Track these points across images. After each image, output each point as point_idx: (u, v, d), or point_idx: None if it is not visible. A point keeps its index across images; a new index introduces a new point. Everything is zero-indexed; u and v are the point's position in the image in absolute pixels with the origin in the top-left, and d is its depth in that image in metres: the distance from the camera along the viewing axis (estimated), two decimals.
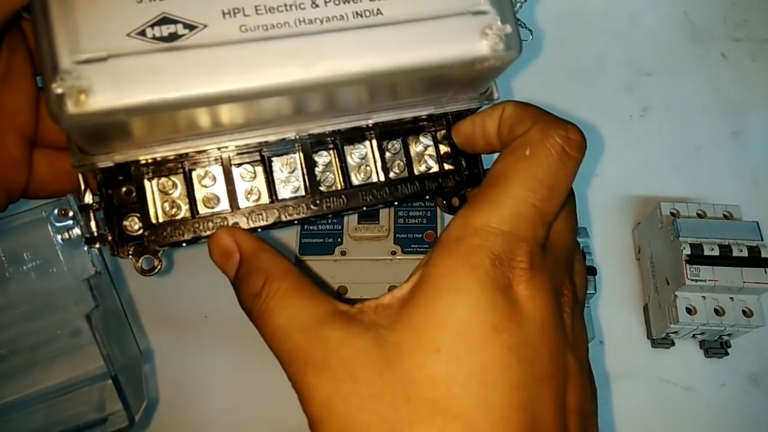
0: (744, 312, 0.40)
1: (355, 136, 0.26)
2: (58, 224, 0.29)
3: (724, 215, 0.42)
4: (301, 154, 0.26)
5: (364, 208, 0.27)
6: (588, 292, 0.39)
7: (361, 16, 0.21)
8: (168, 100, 0.19)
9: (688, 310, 0.40)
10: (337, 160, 0.27)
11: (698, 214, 0.42)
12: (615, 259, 0.47)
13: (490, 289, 0.22)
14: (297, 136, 0.24)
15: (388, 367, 0.21)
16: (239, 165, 0.26)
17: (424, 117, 0.26)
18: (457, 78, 0.23)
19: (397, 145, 0.27)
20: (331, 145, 0.26)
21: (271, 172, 0.26)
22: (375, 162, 0.27)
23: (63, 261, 0.30)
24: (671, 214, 0.43)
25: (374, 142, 0.27)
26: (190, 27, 0.20)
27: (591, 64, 0.55)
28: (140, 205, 0.25)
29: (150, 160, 0.24)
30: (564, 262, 0.26)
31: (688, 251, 0.39)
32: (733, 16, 0.58)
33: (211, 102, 0.20)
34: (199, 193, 0.26)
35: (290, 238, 0.40)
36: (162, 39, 0.19)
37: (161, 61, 0.19)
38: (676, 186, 0.50)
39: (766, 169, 0.51)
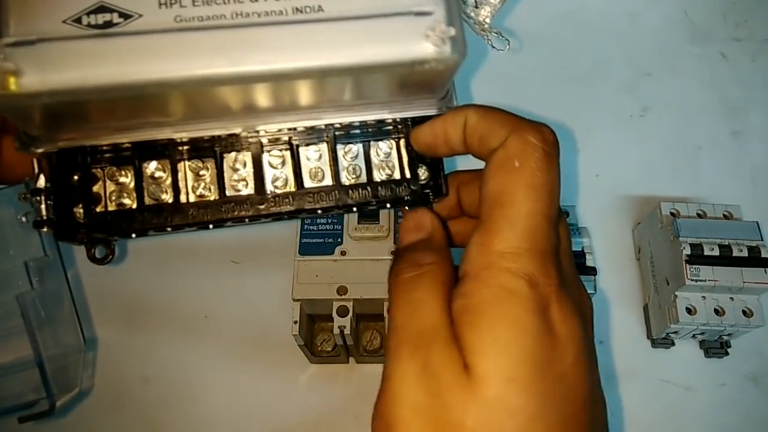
0: (744, 312, 0.40)
1: (312, 137, 0.26)
2: (20, 208, 0.28)
3: (724, 215, 0.42)
4: (250, 152, 0.26)
5: (319, 211, 0.26)
6: (588, 292, 0.39)
7: (301, 12, 0.20)
8: (94, 85, 0.19)
9: (688, 310, 0.40)
10: (291, 160, 0.26)
11: (698, 214, 0.42)
12: (615, 259, 0.47)
13: (535, 314, 0.22)
14: (244, 133, 0.24)
15: (469, 392, 0.21)
16: (189, 159, 0.25)
17: (388, 122, 0.26)
18: (402, 80, 0.22)
19: (355, 149, 0.27)
20: (285, 145, 0.26)
21: (221, 168, 0.25)
22: (329, 165, 0.26)
23: (21, 243, 0.30)
24: (671, 214, 0.43)
25: (328, 144, 0.26)
26: (126, 16, 0.20)
27: (591, 64, 0.55)
28: (85, 193, 0.25)
29: (106, 148, 0.24)
30: (572, 267, 0.26)
31: (688, 251, 0.39)
32: (733, 16, 0.58)
33: (138, 89, 0.20)
34: (148, 185, 0.25)
35: (290, 238, 0.40)
36: (96, 26, 0.19)
37: (91, 47, 0.19)
38: (676, 186, 0.50)
39: (766, 169, 0.51)
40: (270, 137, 0.25)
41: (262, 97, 0.22)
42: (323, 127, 0.25)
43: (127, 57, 0.19)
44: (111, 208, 0.25)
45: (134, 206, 0.25)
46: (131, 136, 0.23)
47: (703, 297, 0.40)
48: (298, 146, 0.26)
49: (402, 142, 0.27)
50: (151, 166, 0.25)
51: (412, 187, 0.27)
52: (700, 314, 0.40)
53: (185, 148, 0.25)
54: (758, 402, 0.43)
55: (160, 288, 0.45)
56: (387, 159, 0.27)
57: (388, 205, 0.27)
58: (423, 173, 0.27)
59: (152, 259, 0.46)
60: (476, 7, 0.29)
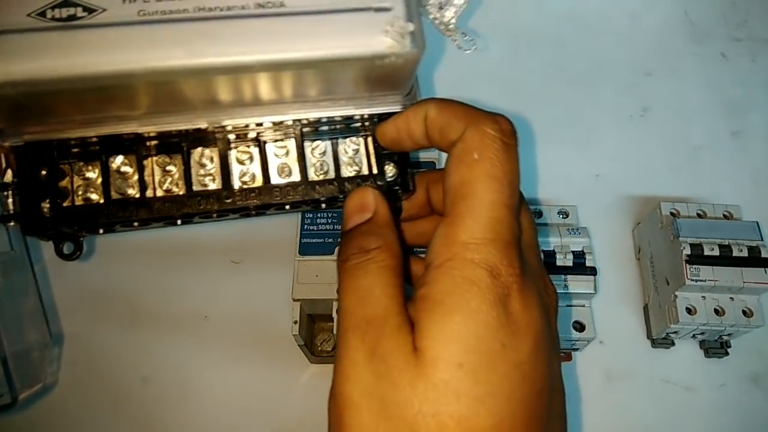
0: (744, 312, 0.40)
1: (280, 133, 0.26)
2: None
3: (724, 215, 0.42)
4: (217, 148, 0.26)
5: (287, 207, 0.26)
6: (588, 292, 0.39)
7: (263, 6, 0.21)
8: (58, 77, 0.20)
9: (688, 310, 0.40)
10: (258, 156, 0.26)
11: (698, 214, 0.42)
12: (615, 259, 0.47)
13: (494, 304, 0.22)
14: (210, 128, 0.24)
15: (417, 374, 0.22)
16: (156, 155, 0.25)
17: (356, 118, 0.26)
18: (364, 75, 0.23)
19: (323, 145, 0.27)
20: (253, 141, 0.26)
21: (188, 163, 0.26)
22: (297, 161, 0.26)
23: None
24: (671, 214, 0.43)
25: (296, 140, 0.26)
26: (90, 10, 0.20)
27: (591, 64, 0.55)
28: (52, 188, 0.25)
29: (73, 143, 0.24)
30: (537, 257, 0.27)
31: (688, 251, 0.39)
32: (733, 16, 0.58)
33: (101, 81, 0.20)
34: (114, 180, 0.25)
35: (290, 238, 0.40)
36: (60, 20, 0.20)
37: (55, 40, 0.20)
38: (676, 186, 0.50)
39: (766, 169, 0.51)
40: (237, 133, 0.25)
41: (226, 91, 0.22)
42: (290, 123, 0.25)
43: (90, 49, 0.20)
44: (78, 202, 0.25)
45: (101, 201, 0.25)
46: (97, 130, 0.24)
47: (703, 297, 0.40)
48: (265, 142, 0.26)
49: (369, 139, 0.27)
50: (118, 161, 0.25)
51: (379, 183, 0.27)
52: (700, 314, 0.40)
53: (153, 143, 0.25)
54: (758, 402, 0.43)
55: (160, 288, 0.45)
56: (355, 155, 0.27)
57: None
58: (390, 170, 0.28)
59: (152, 259, 0.46)
60: (440, 8, 0.31)
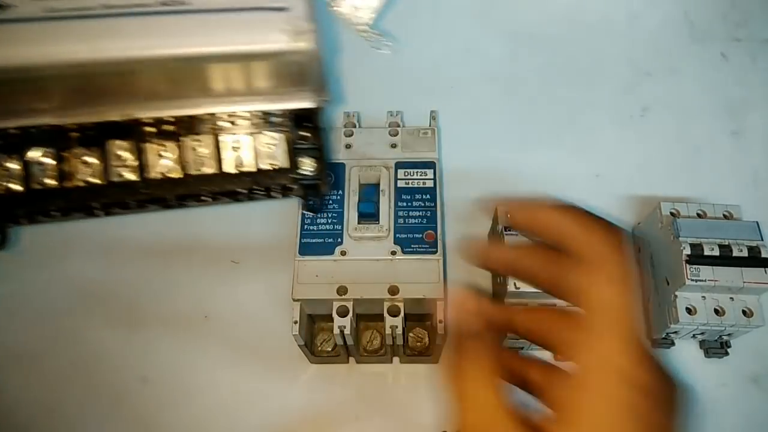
0: (744, 312, 0.40)
1: (198, 127, 0.27)
2: None
3: (724, 215, 0.42)
4: (134, 141, 0.27)
5: (203, 198, 0.28)
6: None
7: (167, 4, 0.22)
8: None
9: (688, 310, 0.40)
10: (177, 149, 0.27)
11: (698, 214, 0.42)
12: None
13: (629, 414, 0.23)
14: (121, 120, 0.25)
15: None
16: (79, 146, 0.27)
17: (276, 114, 0.27)
18: (269, 71, 0.24)
19: (240, 139, 0.28)
20: (172, 135, 0.27)
21: (106, 155, 0.26)
22: (214, 154, 0.27)
23: None
24: (671, 214, 0.43)
25: (213, 134, 0.27)
26: (0, 6, 0.22)
27: (591, 64, 0.55)
28: None
29: (16, 130, 0.25)
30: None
31: (688, 251, 0.39)
32: (733, 16, 0.58)
33: (8, 73, 0.21)
34: (34, 171, 0.27)
35: (290, 238, 0.40)
36: None
37: None
38: (676, 186, 0.50)
39: (766, 169, 0.51)
40: (153, 126, 0.26)
41: (135, 85, 0.23)
42: (206, 116, 0.26)
43: (9, 43, 0.21)
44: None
45: (21, 191, 0.26)
46: (15, 122, 0.24)
47: (703, 297, 0.40)
48: (182, 136, 0.27)
49: (288, 134, 0.28)
50: (37, 153, 0.26)
51: (297, 177, 0.29)
52: (700, 314, 0.40)
53: (74, 135, 0.26)
54: (758, 402, 0.43)
55: (160, 288, 0.45)
56: (273, 150, 0.28)
57: (280, 195, 0.30)
58: (309, 165, 0.29)
59: (152, 258, 0.46)
60: (356, 10, 0.30)
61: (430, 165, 0.42)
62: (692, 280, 0.39)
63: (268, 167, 0.28)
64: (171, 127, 0.26)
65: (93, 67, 0.22)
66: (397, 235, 0.40)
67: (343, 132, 0.43)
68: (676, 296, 0.40)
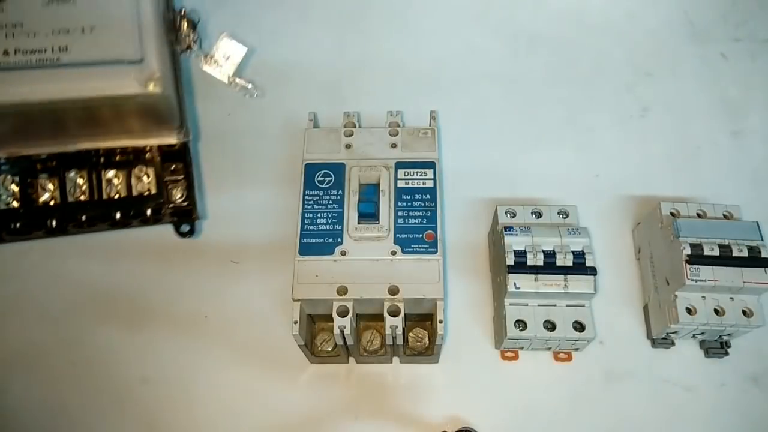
0: (744, 312, 0.40)
1: (78, 163, 0.31)
2: None
3: (724, 215, 0.42)
4: (18, 176, 0.31)
5: (84, 226, 0.32)
6: (588, 292, 0.39)
7: (44, 60, 0.27)
8: None
9: (688, 310, 0.40)
10: (57, 182, 0.31)
11: (698, 214, 0.42)
12: (615, 259, 0.47)
13: None
14: (5, 158, 0.29)
15: None
16: None
17: (146, 149, 0.31)
18: (132, 111, 0.28)
19: (114, 172, 0.32)
20: (54, 170, 0.31)
21: None
22: (93, 185, 0.31)
23: None
24: (671, 214, 0.43)
25: (93, 169, 0.32)
26: None
27: (591, 64, 0.55)
28: None
29: None
30: None
31: (688, 251, 0.39)
32: (733, 16, 0.58)
33: None
34: None
35: (290, 238, 0.40)
36: None
37: None
38: (676, 186, 0.50)
39: (766, 169, 0.51)
40: (39, 162, 0.30)
41: (22, 125, 0.28)
42: (87, 153, 0.30)
43: None
44: None
45: None
46: None
47: (703, 297, 0.40)
48: (65, 170, 0.31)
49: (158, 167, 0.32)
50: None
51: (169, 204, 0.33)
52: (700, 314, 0.40)
53: None
54: (758, 402, 0.43)
55: (160, 288, 0.45)
56: (146, 182, 0.33)
57: (152, 221, 0.34)
58: (178, 194, 0.34)
59: (153, 259, 0.46)
60: (219, 66, 0.37)
61: (430, 165, 0.42)
62: (692, 280, 0.39)
63: (145, 194, 0.32)
64: (53, 162, 0.31)
65: None
66: (397, 235, 0.40)
67: (343, 132, 0.44)
68: (676, 296, 0.40)
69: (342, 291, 0.38)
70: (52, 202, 0.31)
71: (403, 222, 0.40)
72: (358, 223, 0.40)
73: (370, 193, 0.41)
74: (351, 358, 0.43)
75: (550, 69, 0.55)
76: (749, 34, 0.57)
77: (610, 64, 0.55)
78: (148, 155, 0.32)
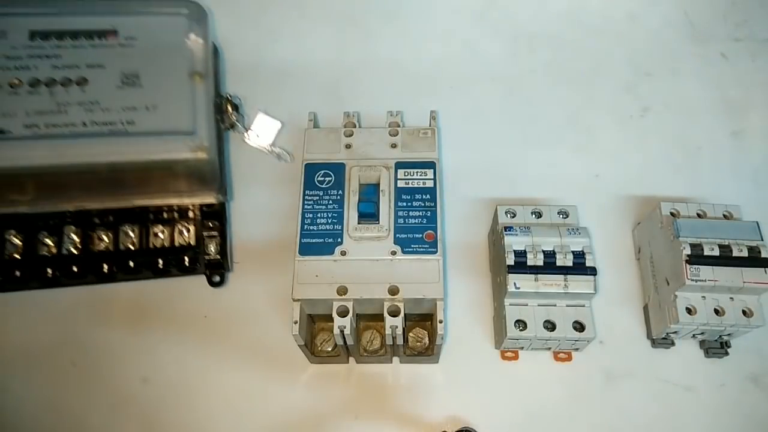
0: (744, 312, 0.40)
1: (133, 217, 0.37)
2: None
3: (724, 215, 0.42)
4: (79, 228, 0.36)
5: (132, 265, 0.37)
6: (588, 292, 0.39)
7: (114, 131, 0.33)
8: None
9: (688, 310, 0.40)
10: (112, 235, 0.36)
11: (698, 214, 0.42)
12: (615, 259, 0.47)
13: None
14: (73, 210, 0.35)
15: None
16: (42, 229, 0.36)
17: (188, 206, 0.37)
18: (181, 173, 0.34)
19: (159, 227, 0.38)
20: (108, 224, 0.36)
21: (61, 237, 0.36)
22: (144, 238, 0.37)
23: None
24: (671, 214, 0.43)
25: (142, 225, 0.37)
26: (2, 131, 0.33)
27: (591, 64, 0.55)
28: None
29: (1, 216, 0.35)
30: None
31: (688, 251, 0.39)
32: (733, 16, 0.58)
33: (8, 172, 0.31)
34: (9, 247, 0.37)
35: (290, 238, 0.40)
36: None
37: None
38: (676, 186, 0.50)
39: (766, 169, 0.51)
40: (100, 216, 0.36)
41: (87, 183, 0.34)
42: (140, 209, 0.36)
43: (1, 153, 0.32)
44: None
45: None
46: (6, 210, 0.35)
47: (703, 297, 0.40)
48: (120, 223, 0.36)
49: (191, 223, 0.38)
50: (9, 234, 0.36)
51: (205, 256, 0.38)
52: (700, 314, 0.40)
53: (41, 222, 0.36)
54: (758, 402, 0.43)
55: (160, 288, 0.45)
56: (186, 235, 0.38)
57: (189, 272, 0.39)
58: (213, 248, 0.39)
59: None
60: (257, 136, 0.42)
61: (430, 165, 0.42)
62: (692, 280, 0.39)
63: (184, 245, 0.37)
64: (110, 216, 0.36)
65: (59, 169, 0.31)
66: (397, 235, 0.40)
67: (343, 132, 0.44)
68: (676, 296, 0.40)
69: (342, 291, 0.38)
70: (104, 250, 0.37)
71: (403, 222, 0.40)
72: (358, 223, 0.40)
73: (370, 193, 0.41)
74: (351, 358, 0.43)
75: (550, 69, 0.55)
76: (749, 34, 0.57)
77: (610, 64, 0.55)
78: (190, 213, 0.37)
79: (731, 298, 0.40)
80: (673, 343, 0.44)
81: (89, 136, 0.32)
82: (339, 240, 0.40)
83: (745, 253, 0.39)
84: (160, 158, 0.32)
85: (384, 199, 0.41)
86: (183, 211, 0.36)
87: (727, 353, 0.43)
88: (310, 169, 0.42)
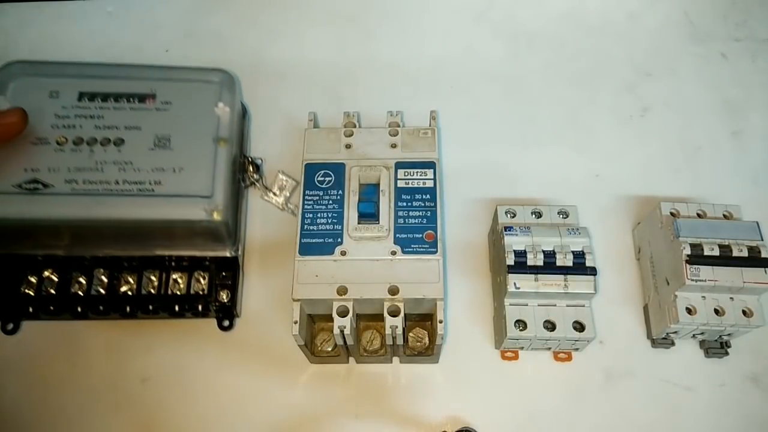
0: (744, 312, 0.40)
1: (155, 264, 0.40)
2: None
3: (724, 215, 0.42)
4: (108, 270, 0.40)
5: (139, 313, 0.41)
6: (588, 292, 0.39)
7: (143, 190, 0.36)
8: (22, 218, 0.35)
9: (688, 310, 0.40)
10: (136, 279, 0.40)
11: (698, 214, 0.42)
12: (615, 259, 0.47)
13: None
14: (102, 256, 0.39)
15: None
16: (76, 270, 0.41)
17: (202, 258, 0.40)
18: (198, 231, 0.37)
19: (177, 274, 0.41)
20: (133, 270, 0.40)
21: (90, 277, 0.40)
22: (162, 284, 0.40)
23: None
24: (671, 214, 0.43)
25: (161, 271, 0.41)
26: (45, 185, 0.36)
27: (591, 64, 0.55)
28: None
29: (41, 257, 0.39)
30: None
31: (688, 251, 0.39)
32: (733, 15, 0.58)
33: (46, 222, 0.35)
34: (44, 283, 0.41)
35: (290, 238, 0.40)
36: (29, 190, 0.36)
37: (24, 199, 0.36)
38: (676, 186, 0.50)
39: (766, 169, 0.51)
40: (125, 262, 0.40)
41: (117, 235, 0.37)
42: (161, 257, 0.40)
43: (43, 205, 0.35)
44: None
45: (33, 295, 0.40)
46: (38, 251, 0.39)
47: (703, 297, 0.40)
48: (143, 269, 0.40)
49: (213, 273, 0.41)
50: (47, 272, 0.40)
51: (217, 303, 0.41)
52: (700, 314, 0.40)
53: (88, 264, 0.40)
54: (758, 402, 0.43)
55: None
56: (202, 283, 0.41)
57: (201, 315, 0.42)
58: (225, 296, 0.41)
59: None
60: (275, 194, 0.45)
61: (430, 165, 0.42)
62: (692, 280, 0.39)
63: (199, 293, 0.41)
64: (133, 263, 0.40)
65: (92, 222, 0.35)
66: (397, 235, 0.40)
67: (343, 132, 0.44)
68: (676, 296, 0.40)
69: (342, 291, 0.38)
70: (129, 293, 0.40)
71: (403, 222, 0.40)
72: (358, 223, 0.40)
73: (370, 193, 0.41)
74: (351, 358, 0.43)
75: (550, 69, 0.55)
76: (749, 34, 0.57)
77: (610, 64, 0.55)
78: (207, 263, 0.40)
79: (731, 298, 0.40)
80: (673, 343, 0.44)
81: (120, 195, 0.35)
82: (339, 240, 0.40)
83: (745, 253, 0.39)
84: (180, 218, 0.35)
85: (384, 199, 0.41)
86: (199, 261, 0.39)
87: (727, 353, 0.43)
88: (310, 169, 0.42)
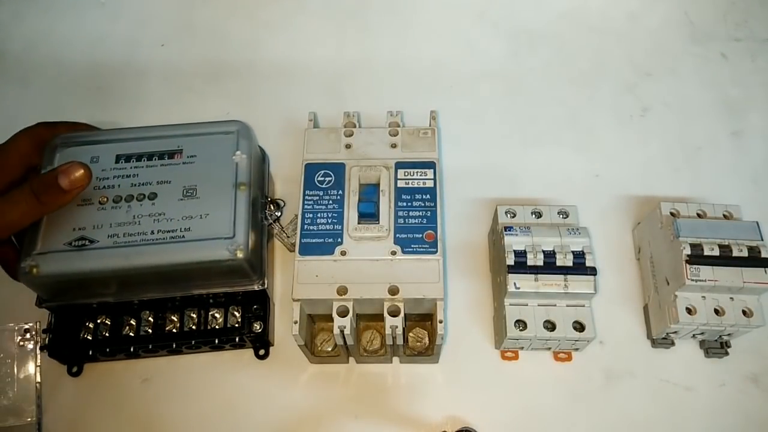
0: (744, 312, 0.40)
1: (193, 303, 0.43)
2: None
3: (724, 215, 0.42)
4: (153, 312, 0.43)
5: (184, 348, 0.43)
6: (588, 292, 0.39)
7: (174, 238, 0.39)
8: (72, 272, 0.39)
9: (688, 310, 0.40)
10: (178, 317, 0.43)
11: (698, 214, 0.42)
12: (615, 259, 0.47)
13: None
14: (147, 299, 0.42)
15: None
16: (126, 314, 0.43)
17: (233, 294, 0.42)
18: (225, 270, 0.39)
19: (215, 310, 0.43)
20: (175, 308, 0.43)
21: (139, 319, 0.43)
22: (200, 319, 0.43)
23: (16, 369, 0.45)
24: (671, 214, 0.43)
25: (199, 309, 0.43)
26: (91, 240, 0.39)
27: (591, 64, 0.55)
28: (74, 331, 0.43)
29: (95, 305, 0.42)
30: None
31: (688, 251, 0.39)
32: (733, 15, 0.58)
33: (95, 274, 0.39)
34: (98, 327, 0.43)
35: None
36: (77, 247, 0.39)
37: (74, 255, 0.39)
38: (676, 186, 0.50)
39: (766, 169, 0.51)
40: (170, 301, 0.43)
41: (153, 279, 0.40)
42: (199, 296, 0.42)
43: (91, 259, 0.39)
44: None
45: (88, 337, 0.43)
46: (91, 300, 0.42)
47: (703, 297, 0.40)
48: (184, 308, 0.43)
49: (236, 307, 0.43)
50: (101, 318, 0.43)
51: (251, 333, 0.42)
52: (700, 314, 0.40)
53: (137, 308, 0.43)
54: (758, 402, 0.43)
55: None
56: (237, 316, 0.43)
57: (237, 346, 0.44)
58: (257, 327, 0.42)
59: None
60: (288, 236, 0.45)
61: (430, 165, 0.42)
62: (692, 280, 0.39)
63: (235, 325, 0.43)
64: (173, 303, 0.43)
65: (134, 270, 0.38)
66: (397, 235, 0.40)
67: (343, 132, 0.44)
68: (676, 296, 0.40)
69: (342, 291, 0.38)
70: (174, 330, 0.43)
71: (403, 222, 0.40)
72: (358, 223, 0.40)
73: (370, 193, 0.41)
74: (351, 358, 0.43)
75: (551, 69, 0.55)
76: (749, 34, 0.57)
77: (610, 64, 0.55)
78: (239, 297, 0.43)
79: (731, 298, 0.40)
80: (673, 343, 0.44)
81: (155, 243, 0.39)
82: (339, 240, 0.40)
83: (745, 253, 0.39)
84: (207, 259, 0.38)
85: (384, 199, 0.41)
86: (232, 296, 0.42)
87: (727, 353, 0.43)
88: (310, 169, 0.42)
